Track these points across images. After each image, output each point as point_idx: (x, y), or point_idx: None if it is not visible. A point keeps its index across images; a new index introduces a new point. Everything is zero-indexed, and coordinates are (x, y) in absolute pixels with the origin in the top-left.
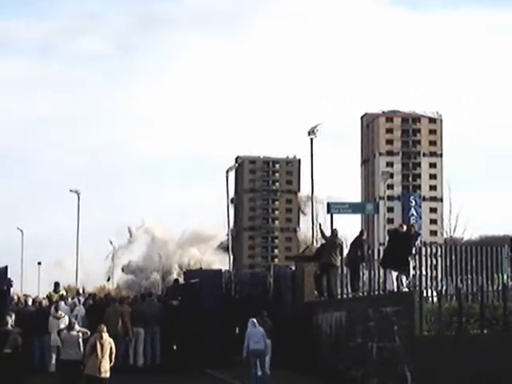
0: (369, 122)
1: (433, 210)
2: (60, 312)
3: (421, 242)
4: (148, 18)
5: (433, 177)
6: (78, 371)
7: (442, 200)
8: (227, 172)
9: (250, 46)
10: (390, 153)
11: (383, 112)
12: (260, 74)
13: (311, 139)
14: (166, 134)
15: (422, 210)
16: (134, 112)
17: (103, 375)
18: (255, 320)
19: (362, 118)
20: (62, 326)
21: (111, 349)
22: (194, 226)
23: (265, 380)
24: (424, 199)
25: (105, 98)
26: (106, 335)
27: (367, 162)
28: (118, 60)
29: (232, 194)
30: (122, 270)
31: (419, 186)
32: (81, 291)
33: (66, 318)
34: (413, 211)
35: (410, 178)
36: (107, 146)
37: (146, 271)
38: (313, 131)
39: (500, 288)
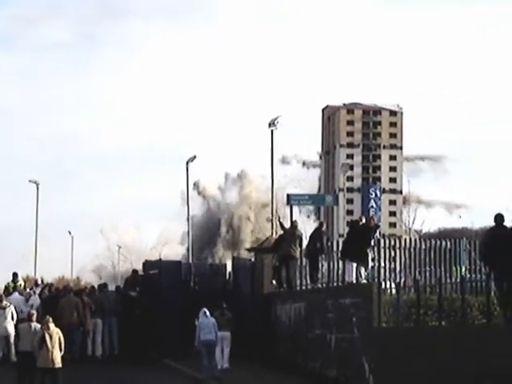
0: (330, 115)
1: (392, 203)
2: (5, 302)
3: (380, 234)
4: (110, 6)
5: (393, 169)
6: (34, 363)
7: (401, 192)
8: (187, 163)
9: (211, 36)
10: (350, 145)
11: (344, 104)
12: (221, 64)
13: (272, 131)
14: (127, 125)
15: (381, 202)
16: (95, 102)
17: (56, 366)
18: (206, 310)
19: (323, 110)
20: (8, 316)
21: (60, 338)
22: (161, 221)
23: (215, 370)
24: (384, 191)
25: (66, 87)
26: (52, 326)
27: (328, 154)
28: (79, 49)
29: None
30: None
31: (379, 178)
32: (39, 282)
33: (12, 307)
34: (372, 203)
35: (370, 170)
36: (67, 135)
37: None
38: (273, 123)
39: (458, 280)
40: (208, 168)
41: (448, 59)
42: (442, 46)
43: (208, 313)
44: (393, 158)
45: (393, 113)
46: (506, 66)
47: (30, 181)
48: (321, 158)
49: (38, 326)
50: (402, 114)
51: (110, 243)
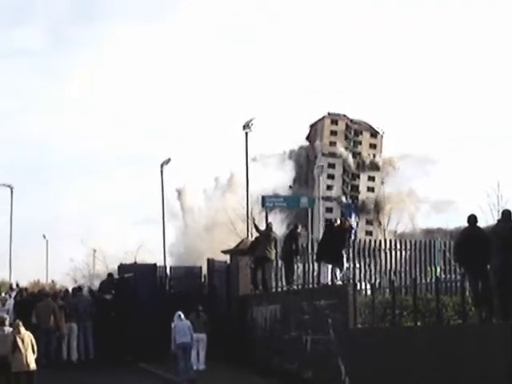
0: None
1: (369, 222)
2: None
3: (355, 236)
4: (82, 9)
5: (370, 190)
6: (8, 367)
7: (378, 212)
8: (162, 166)
9: (183, 36)
10: (332, 154)
11: (329, 114)
12: (195, 66)
13: (246, 133)
14: (97, 127)
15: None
16: (71, 104)
17: (31, 368)
18: (181, 313)
19: (297, 150)
20: None
21: (32, 341)
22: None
23: (191, 372)
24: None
25: (39, 90)
26: (23, 329)
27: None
28: (49, 52)
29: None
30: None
31: (357, 197)
32: (14, 286)
33: None
34: (353, 217)
35: (349, 187)
36: (42, 139)
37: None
38: (247, 125)
39: (433, 281)
40: (196, 173)
41: (429, 60)
42: (431, 47)
43: (183, 316)
44: (371, 178)
45: (373, 134)
46: (483, 64)
47: (3, 185)
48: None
49: (11, 329)
50: (382, 136)
51: (88, 248)
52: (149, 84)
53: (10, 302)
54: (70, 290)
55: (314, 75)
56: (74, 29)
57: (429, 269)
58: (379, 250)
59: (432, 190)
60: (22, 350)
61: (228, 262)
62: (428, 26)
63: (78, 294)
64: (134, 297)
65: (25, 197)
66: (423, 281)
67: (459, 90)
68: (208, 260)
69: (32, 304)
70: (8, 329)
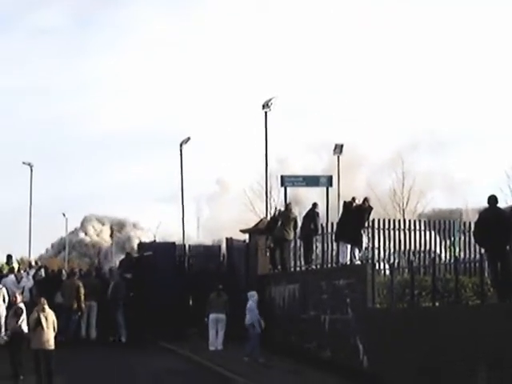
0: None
1: None
2: None
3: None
4: None
5: None
6: (21, 343)
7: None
8: (181, 145)
9: (204, 21)
10: None
11: None
12: (216, 48)
13: (265, 113)
14: (120, 108)
15: None
16: (88, 86)
17: (51, 347)
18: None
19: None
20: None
21: (54, 321)
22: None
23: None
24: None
25: (61, 71)
26: (47, 307)
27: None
28: (72, 33)
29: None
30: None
31: None
32: (33, 264)
33: (4, 290)
34: None
35: None
36: (63, 118)
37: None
38: (267, 105)
39: (452, 261)
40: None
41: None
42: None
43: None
44: None
45: None
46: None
47: (23, 163)
48: None
49: (22, 306)
50: None
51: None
52: (178, 65)
53: (26, 280)
54: (93, 268)
55: (313, 74)
56: (98, 10)
57: (448, 249)
58: (398, 230)
59: (450, 171)
60: (45, 329)
61: (247, 241)
62: (433, 26)
63: (100, 273)
64: (154, 275)
65: (45, 175)
66: (442, 261)
67: (479, 78)
68: (226, 239)
69: (54, 283)
70: (19, 306)
